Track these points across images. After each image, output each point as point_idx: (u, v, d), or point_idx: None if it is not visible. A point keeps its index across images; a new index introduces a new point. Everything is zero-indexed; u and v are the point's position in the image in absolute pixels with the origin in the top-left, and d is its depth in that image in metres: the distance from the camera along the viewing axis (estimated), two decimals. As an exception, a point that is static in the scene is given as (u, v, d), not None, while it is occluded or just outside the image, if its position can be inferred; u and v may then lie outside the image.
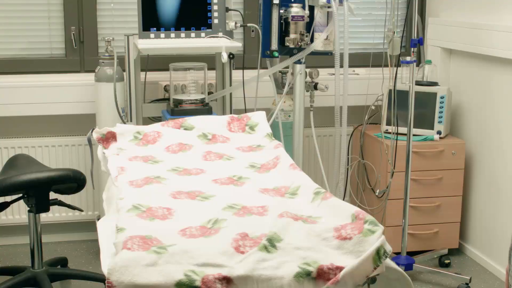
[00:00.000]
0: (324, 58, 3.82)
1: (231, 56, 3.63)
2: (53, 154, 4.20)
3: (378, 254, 1.74)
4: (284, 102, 3.98)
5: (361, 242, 1.77)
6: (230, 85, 3.89)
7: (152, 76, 4.17)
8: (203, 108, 3.62)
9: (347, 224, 1.86)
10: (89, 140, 2.84)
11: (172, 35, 3.71)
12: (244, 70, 3.89)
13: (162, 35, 3.70)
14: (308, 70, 3.77)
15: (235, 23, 3.74)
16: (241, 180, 2.36)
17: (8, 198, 3.43)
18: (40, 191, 3.26)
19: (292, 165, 2.40)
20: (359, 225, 1.83)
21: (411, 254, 4.02)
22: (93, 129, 2.81)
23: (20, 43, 4.29)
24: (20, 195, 3.35)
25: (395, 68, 3.75)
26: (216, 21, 3.76)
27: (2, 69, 4.22)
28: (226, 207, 2.09)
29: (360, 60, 4.34)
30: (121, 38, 3.88)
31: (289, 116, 4.03)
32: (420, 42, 3.68)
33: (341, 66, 3.42)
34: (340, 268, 1.71)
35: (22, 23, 4.29)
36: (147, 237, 1.82)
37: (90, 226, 4.25)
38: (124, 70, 3.80)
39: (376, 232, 1.78)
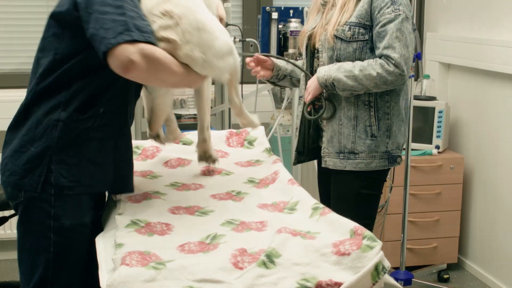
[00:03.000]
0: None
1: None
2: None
3: (377, 270, 1.74)
4: (283, 116, 3.99)
5: (359, 257, 1.77)
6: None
7: (151, 90, 4.17)
8: (202, 123, 3.62)
9: (345, 239, 1.86)
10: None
11: (171, 50, 3.71)
12: (243, 85, 3.89)
13: (161, 50, 3.70)
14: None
15: (234, 38, 3.75)
16: (240, 195, 2.36)
17: (6, 213, 3.43)
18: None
19: (291, 180, 2.40)
20: (357, 240, 1.82)
21: (410, 269, 4.02)
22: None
23: (20, 58, 4.31)
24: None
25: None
26: (215, 36, 3.76)
27: (1, 84, 4.23)
28: (225, 223, 2.09)
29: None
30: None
31: (288, 130, 4.05)
32: (418, 57, 3.69)
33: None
34: (338, 284, 1.71)
35: (21, 38, 4.31)
36: (146, 253, 1.82)
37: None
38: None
39: (374, 247, 1.78)
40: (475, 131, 4.20)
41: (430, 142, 4.23)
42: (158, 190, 2.40)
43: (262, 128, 2.95)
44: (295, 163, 2.99)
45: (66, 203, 2.14)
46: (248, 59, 2.85)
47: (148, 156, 2.80)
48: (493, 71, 3.90)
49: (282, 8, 3.80)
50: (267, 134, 3.12)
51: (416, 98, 4.21)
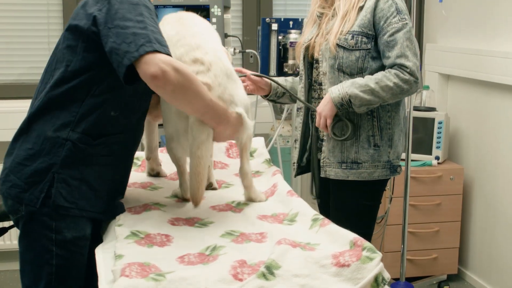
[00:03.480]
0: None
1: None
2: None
3: (377, 281, 1.74)
4: (283, 127, 4.00)
5: (359, 269, 1.77)
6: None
7: (151, 101, 4.18)
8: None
9: (345, 251, 1.85)
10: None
11: (171, 61, 3.72)
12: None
13: (161, 61, 3.71)
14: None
15: (234, 49, 3.76)
16: (240, 206, 2.36)
17: (6, 224, 3.43)
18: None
19: (290, 192, 2.40)
20: (357, 252, 1.82)
21: (410, 280, 4.01)
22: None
23: (20, 68, 4.32)
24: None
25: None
26: (215, 47, 3.77)
27: (1, 94, 4.24)
28: (225, 234, 2.09)
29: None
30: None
31: (288, 141, 4.05)
32: (417, 68, 3.70)
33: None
34: (338, 296, 1.71)
35: (22, 49, 4.32)
36: (145, 264, 1.81)
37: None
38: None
39: (374, 259, 1.78)
40: (475, 142, 4.21)
41: (430, 153, 4.23)
42: (158, 201, 2.40)
43: (262, 139, 2.95)
44: (296, 175, 3.00)
45: (67, 216, 2.15)
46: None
47: (148, 167, 2.80)
48: (492, 82, 3.91)
49: (282, 20, 3.81)
50: (267, 145, 3.12)
51: (416, 109, 4.22)
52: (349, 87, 2.60)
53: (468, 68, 4.12)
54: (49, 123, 2.14)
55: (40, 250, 2.17)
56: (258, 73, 2.97)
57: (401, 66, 2.56)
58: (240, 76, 2.63)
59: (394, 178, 3.83)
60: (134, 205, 2.34)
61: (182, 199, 2.44)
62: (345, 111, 2.66)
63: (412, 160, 3.86)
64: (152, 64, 1.93)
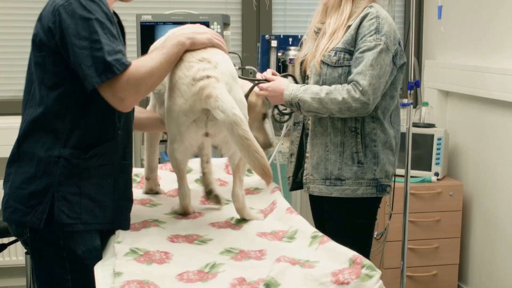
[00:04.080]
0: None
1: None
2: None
3: (376, 299, 1.74)
4: (282, 144, 3.99)
5: (358, 287, 1.76)
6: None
7: (151, 117, 4.18)
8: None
9: (344, 268, 1.85)
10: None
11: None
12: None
13: (161, 77, 3.72)
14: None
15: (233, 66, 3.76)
16: (239, 223, 2.36)
17: (5, 240, 3.42)
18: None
19: (289, 209, 2.40)
20: (356, 269, 1.82)
21: (409, 296, 4.00)
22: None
23: (19, 85, 4.31)
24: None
25: (392, 110, 3.76)
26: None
27: (1, 110, 4.24)
28: (224, 251, 2.09)
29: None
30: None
31: (287, 158, 4.04)
32: (417, 84, 3.71)
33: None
34: (337, 314, 1.71)
35: (21, 65, 4.32)
36: (144, 282, 1.81)
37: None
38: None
39: (373, 277, 1.77)
40: (474, 158, 4.21)
41: (429, 169, 4.23)
42: (157, 218, 2.40)
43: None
44: (291, 189, 2.98)
45: (73, 232, 2.16)
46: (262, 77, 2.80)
47: (147, 183, 2.80)
48: (491, 99, 3.92)
49: (281, 36, 3.83)
50: (268, 158, 3.12)
51: (415, 125, 4.22)
52: (303, 91, 2.63)
53: (467, 84, 4.13)
54: (39, 144, 2.15)
55: (53, 268, 2.19)
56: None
57: (356, 84, 2.55)
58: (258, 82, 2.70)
59: (393, 194, 3.82)
60: (133, 221, 2.34)
61: (181, 214, 2.44)
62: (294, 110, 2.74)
63: (411, 177, 3.85)
64: (111, 95, 2.04)
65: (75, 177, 2.15)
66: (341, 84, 2.61)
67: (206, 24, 3.74)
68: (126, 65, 2.03)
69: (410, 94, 3.72)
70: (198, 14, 3.85)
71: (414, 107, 4.41)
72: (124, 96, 2.04)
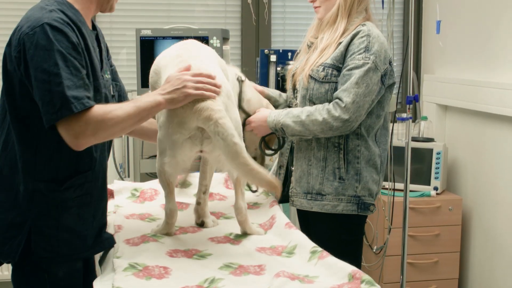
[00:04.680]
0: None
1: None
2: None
3: (375, 315, 1.73)
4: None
5: (358, 302, 1.77)
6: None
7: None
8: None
9: (344, 283, 1.85)
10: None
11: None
12: (242, 126, 3.91)
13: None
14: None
15: (233, 80, 3.77)
16: (238, 238, 2.36)
17: None
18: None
19: (288, 224, 2.40)
20: (355, 285, 1.82)
21: (409, 311, 3.99)
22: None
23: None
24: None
25: (391, 125, 3.77)
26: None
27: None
28: (223, 266, 2.09)
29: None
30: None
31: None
32: (415, 99, 3.71)
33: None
34: (337, 329, 1.71)
35: None
36: (143, 297, 1.81)
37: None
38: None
39: (373, 292, 1.77)
40: (473, 172, 4.21)
41: (429, 184, 4.23)
42: (156, 233, 2.39)
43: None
44: (279, 202, 2.92)
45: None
46: None
47: (146, 198, 2.80)
48: (490, 113, 3.93)
49: (281, 51, 3.84)
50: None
51: (414, 139, 4.22)
52: (284, 116, 2.62)
53: (466, 99, 4.14)
54: (15, 175, 2.11)
55: None
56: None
57: (338, 101, 2.53)
58: None
59: (392, 208, 3.82)
60: (132, 236, 2.33)
61: (165, 235, 2.38)
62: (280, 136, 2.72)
63: (410, 191, 3.85)
64: (67, 134, 1.98)
65: (53, 210, 2.11)
66: (327, 100, 2.60)
67: (206, 38, 3.75)
68: (85, 106, 1.97)
69: (409, 108, 3.72)
70: (198, 28, 3.87)
71: (413, 121, 4.42)
72: (79, 137, 1.99)
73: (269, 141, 2.80)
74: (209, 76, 2.14)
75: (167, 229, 2.38)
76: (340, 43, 2.62)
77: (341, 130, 2.55)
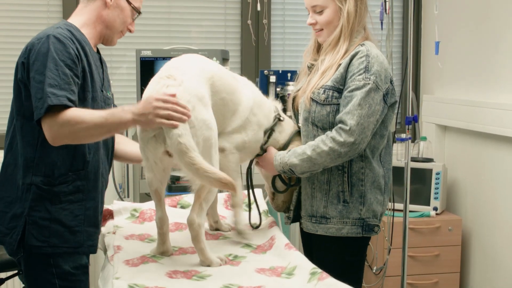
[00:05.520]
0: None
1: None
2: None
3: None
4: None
5: (357, 324, 1.76)
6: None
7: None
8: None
9: (343, 305, 1.85)
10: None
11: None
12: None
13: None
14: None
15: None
16: (237, 259, 2.36)
17: (2, 275, 3.41)
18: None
19: (288, 245, 2.39)
20: (355, 306, 1.82)
21: (409, 332, 3.98)
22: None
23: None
24: (15, 271, 3.33)
25: (390, 145, 3.77)
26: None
27: (1, 144, 4.25)
28: (222, 287, 2.08)
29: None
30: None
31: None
32: (415, 119, 3.72)
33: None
34: None
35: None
36: (143, 319, 1.81)
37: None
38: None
39: (372, 314, 1.77)
40: (473, 192, 4.21)
41: (428, 204, 4.23)
42: (155, 253, 2.39)
43: (260, 190, 2.95)
44: (291, 222, 2.92)
45: (62, 253, 2.35)
46: None
47: (146, 219, 2.80)
48: (489, 133, 3.93)
49: (280, 72, 3.85)
50: (264, 197, 3.12)
51: (414, 160, 4.23)
52: (289, 156, 2.58)
53: (465, 119, 4.15)
54: (17, 171, 2.37)
55: (43, 284, 2.36)
56: None
57: (342, 125, 2.50)
58: None
59: (392, 229, 3.82)
60: (132, 257, 2.33)
61: (161, 254, 2.40)
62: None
63: (410, 211, 3.85)
64: (46, 130, 2.20)
65: (47, 203, 2.33)
66: (329, 122, 2.59)
67: (205, 59, 3.76)
68: (61, 102, 2.18)
69: (408, 129, 3.73)
70: (198, 49, 3.88)
71: (413, 141, 4.42)
72: (54, 134, 2.20)
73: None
74: (178, 104, 2.19)
75: (161, 242, 2.40)
76: (340, 64, 2.61)
77: (350, 155, 2.52)
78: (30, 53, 2.27)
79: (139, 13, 2.53)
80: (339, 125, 2.52)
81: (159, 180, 2.38)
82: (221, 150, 2.49)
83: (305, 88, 2.70)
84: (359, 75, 2.54)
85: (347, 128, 2.49)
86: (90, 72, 2.36)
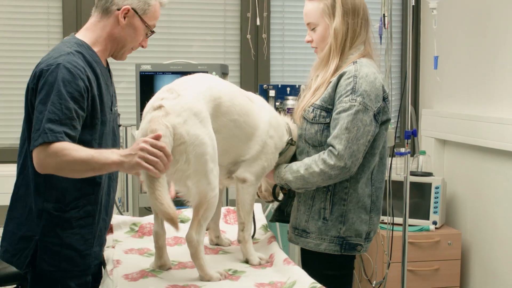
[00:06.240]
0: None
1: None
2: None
3: None
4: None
5: None
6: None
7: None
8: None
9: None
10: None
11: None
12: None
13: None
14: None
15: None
16: (237, 274, 2.35)
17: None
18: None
19: (286, 260, 2.39)
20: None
21: None
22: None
23: (18, 133, 4.34)
24: (14, 285, 3.33)
25: (389, 159, 3.78)
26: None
27: (1, 158, 4.26)
28: (222, 302, 2.08)
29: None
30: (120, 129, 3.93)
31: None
32: (414, 133, 3.72)
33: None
34: None
35: (18, 113, 4.35)
36: (142, 334, 1.80)
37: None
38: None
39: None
40: (472, 206, 4.21)
41: (427, 218, 4.23)
42: (155, 268, 2.39)
43: (259, 205, 2.95)
44: (272, 220, 2.89)
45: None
46: None
47: (145, 233, 2.80)
48: (488, 147, 3.94)
49: (279, 86, 3.86)
50: (264, 211, 3.12)
51: (413, 174, 4.23)
52: (285, 172, 2.59)
53: (464, 133, 4.16)
54: (29, 195, 2.36)
55: None
56: None
57: (332, 148, 2.48)
58: None
59: (391, 243, 3.82)
60: (131, 271, 2.33)
61: (159, 267, 2.39)
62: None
63: (409, 225, 3.85)
64: (34, 158, 2.17)
65: (58, 228, 2.34)
66: (318, 140, 2.57)
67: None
68: (57, 139, 2.14)
69: (407, 143, 3.73)
70: (197, 64, 3.90)
71: (412, 155, 4.42)
72: (41, 165, 2.17)
73: None
74: (164, 151, 2.14)
75: (158, 256, 2.38)
76: (331, 81, 2.59)
77: (341, 177, 2.51)
78: (39, 80, 2.23)
79: (153, 32, 2.51)
80: (330, 148, 2.50)
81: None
82: (242, 181, 2.50)
83: (299, 105, 2.69)
84: (346, 96, 2.50)
85: (336, 153, 2.47)
86: (99, 96, 2.34)
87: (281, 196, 2.80)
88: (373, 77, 2.54)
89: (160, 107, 2.19)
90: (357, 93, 2.49)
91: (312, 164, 2.52)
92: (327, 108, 2.56)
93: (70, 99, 2.19)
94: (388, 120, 2.63)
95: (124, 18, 2.38)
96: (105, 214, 2.48)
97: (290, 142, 2.65)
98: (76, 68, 2.23)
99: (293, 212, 2.69)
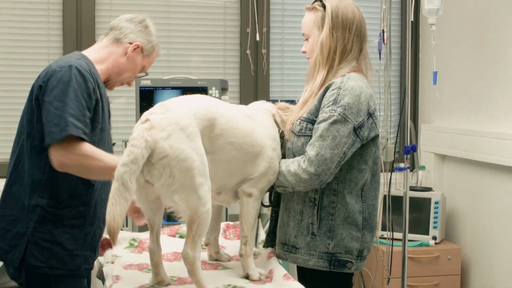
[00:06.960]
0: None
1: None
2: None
3: None
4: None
5: None
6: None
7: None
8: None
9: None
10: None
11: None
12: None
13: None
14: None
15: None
16: (236, 289, 2.35)
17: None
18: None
19: (286, 275, 2.38)
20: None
21: None
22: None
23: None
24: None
25: (389, 174, 3.79)
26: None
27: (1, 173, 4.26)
28: (221, 318, 2.08)
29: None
30: (119, 144, 3.93)
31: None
32: (413, 149, 3.73)
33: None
34: None
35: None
36: None
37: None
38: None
39: None
40: (471, 221, 4.21)
41: (427, 233, 4.23)
42: (152, 284, 2.38)
43: (259, 220, 2.95)
44: (265, 246, 2.83)
45: (60, 277, 2.47)
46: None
47: (145, 248, 2.79)
48: (487, 163, 3.94)
49: (279, 101, 3.86)
50: (263, 226, 3.12)
51: (412, 189, 4.23)
52: None
53: (463, 148, 4.16)
54: (22, 190, 2.48)
55: None
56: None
57: (306, 153, 2.48)
58: None
59: (391, 258, 3.81)
60: (131, 287, 2.32)
61: (157, 283, 2.37)
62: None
63: (409, 240, 3.85)
64: (55, 155, 2.33)
65: (50, 225, 2.46)
66: (304, 153, 2.54)
67: (205, 89, 3.79)
68: (80, 135, 2.32)
69: (407, 158, 3.74)
70: (197, 79, 3.91)
71: (411, 170, 4.43)
72: (62, 162, 2.33)
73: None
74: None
75: (155, 273, 2.36)
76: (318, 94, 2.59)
77: (310, 183, 2.49)
78: (50, 78, 2.38)
79: (146, 74, 2.74)
80: (305, 153, 2.50)
81: (151, 210, 2.34)
82: (248, 195, 2.49)
83: (288, 119, 2.68)
84: (327, 107, 2.49)
85: (307, 158, 2.47)
86: (102, 105, 2.50)
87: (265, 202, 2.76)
88: (359, 91, 2.51)
89: (146, 120, 2.19)
90: (338, 104, 2.48)
91: (290, 164, 2.53)
92: (313, 120, 2.55)
93: (82, 99, 2.37)
94: (376, 137, 2.59)
95: (131, 52, 2.61)
96: (94, 218, 2.58)
97: (281, 135, 2.64)
98: (85, 71, 2.42)
99: (281, 228, 2.67)
